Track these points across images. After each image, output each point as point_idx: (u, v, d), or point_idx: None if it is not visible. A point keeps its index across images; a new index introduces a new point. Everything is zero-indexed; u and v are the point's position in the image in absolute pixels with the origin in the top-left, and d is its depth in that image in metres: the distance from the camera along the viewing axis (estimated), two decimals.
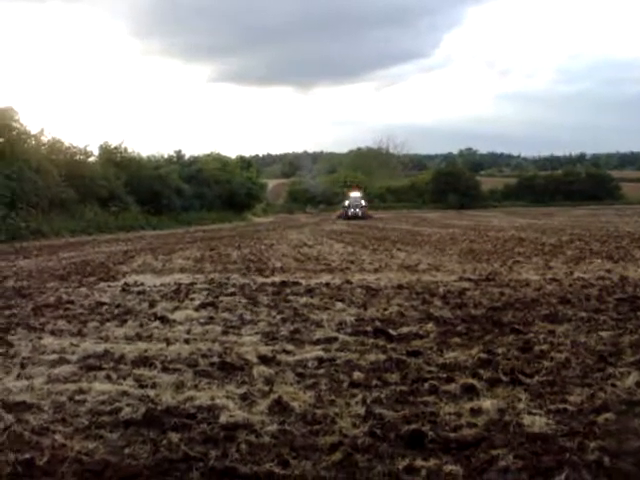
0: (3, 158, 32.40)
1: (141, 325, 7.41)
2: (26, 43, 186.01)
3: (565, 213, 56.03)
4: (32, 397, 4.68)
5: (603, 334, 6.40)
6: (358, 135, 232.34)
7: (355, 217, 53.26)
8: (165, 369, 5.46)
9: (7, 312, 8.42)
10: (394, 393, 4.68)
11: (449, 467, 3.43)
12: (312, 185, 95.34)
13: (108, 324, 7.52)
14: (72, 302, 9.24)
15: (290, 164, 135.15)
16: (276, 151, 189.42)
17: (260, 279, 11.58)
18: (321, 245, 21.52)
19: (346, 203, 57.25)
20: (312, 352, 5.91)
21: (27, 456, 3.57)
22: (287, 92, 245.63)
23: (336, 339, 6.46)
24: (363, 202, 57.34)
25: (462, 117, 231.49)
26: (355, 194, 59.06)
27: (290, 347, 6.16)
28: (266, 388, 4.84)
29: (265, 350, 6.01)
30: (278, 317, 7.73)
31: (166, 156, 60.41)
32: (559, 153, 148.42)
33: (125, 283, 11.33)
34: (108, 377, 5.22)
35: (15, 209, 30.81)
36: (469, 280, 10.79)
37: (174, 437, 3.87)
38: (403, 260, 14.86)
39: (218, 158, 65.42)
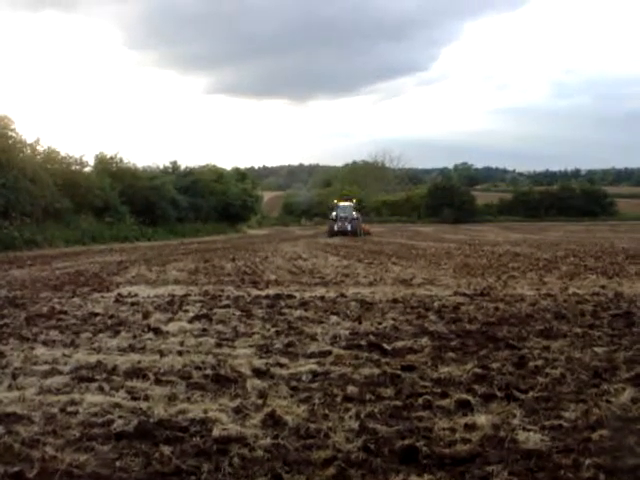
0: None
1: (134, 336, 7.37)
2: (22, 53, 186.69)
3: (560, 228, 56.20)
4: (23, 408, 4.64)
5: (598, 350, 6.39)
6: (354, 148, 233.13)
7: (344, 233, 42.93)
8: (158, 381, 5.42)
9: (0, 322, 8.38)
10: (388, 408, 4.66)
11: None
12: (307, 198, 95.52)
13: (101, 335, 7.48)
14: (65, 312, 9.20)
15: (286, 177, 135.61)
16: (272, 163, 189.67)
17: (254, 292, 11.55)
18: (316, 258, 21.49)
19: (333, 215, 46.40)
20: (306, 366, 5.89)
21: (17, 468, 3.53)
22: (283, 104, 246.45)
23: (330, 353, 6.43)
24: (355, 214, 46.27)
25: (458, 131, 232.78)
26: (345, 204, 48.60)
27: (284, 360, 6.13)
28: (259, 401, 4.81)
29: (259, 363, 5.98)
30: (272, 330, 7.69)
31: (161, 167, 60.53)
32: (554, 168, 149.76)
33: (119, 294, 11.29)
34: (100, 388, 5.18)
35: (9, 218, 30.77)
36: (464, 295, 10.77)
37: (166, 450, 3.84)
38: (398, 274, 14.84)
39: (214, 170, 65.54)
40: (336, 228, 44.04)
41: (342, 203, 49.31)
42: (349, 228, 43.72)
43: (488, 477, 3.46)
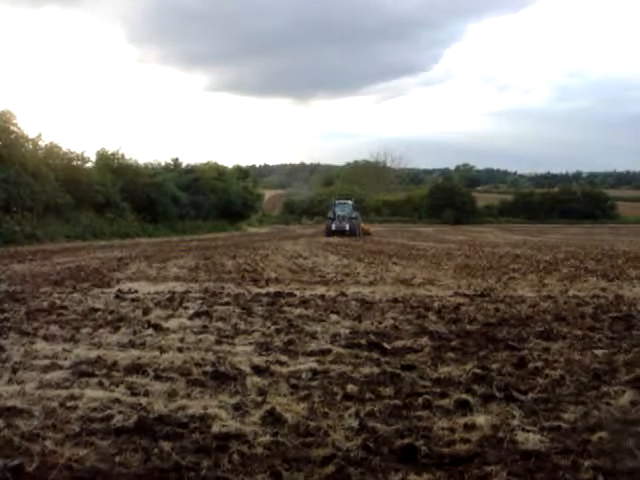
0: (0, 161, 32.38)
1: (134, 332, 7.37)
2: (24, 48, 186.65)
3: (560, 231, 56.22)
4: (23, 402, 4.64)
5: (598, 352, 6.39)
6: (355, 148, 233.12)
7: (342, 232, 40.30)
8: (158, 377, 5.43)
9: (0, 316, 8.37)
10: (388, 407, 4.66)
11: None
12: (308, 197, 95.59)
13: (101, 330, 7.48)
14: (65, 307, 9.20)
15: (287, 175, 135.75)
16: (273, 162, 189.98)
17: (255, 289, 11.56)
18: (316, 257, 21.49)
19: (330, 214, 43.43)
20: (306, 364, 5.89)
21: (16, 462, 3.54)
22: (285, 103, 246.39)
23: (330, 351, 6.43)
24: (354, 213, 43.39)
25: (460, 132, 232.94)
26: (342, 202, 45.87)
27: (284, 358, 6.13)
28: (259, 399, 4.81)
29: (259, 360, 5.99)
30: (272, 328, 7.70)
31: (163, 164, 60.42)
32: (556, 171, 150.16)
33: (119, 290, 11.29)
34: (100, 384, 5.19)
35: (10, 213, 30.80)
36: (464, 295, 10.77)
37: (166, 446, 3.84)
38: (398, 274, 14.84)
39: (215, 167, 65.41)
40: (334, 227, 41.17)
41: (340, 201, 46.52)
42: (347, 227, 41.00)
43: (487, 477, 3.46)
